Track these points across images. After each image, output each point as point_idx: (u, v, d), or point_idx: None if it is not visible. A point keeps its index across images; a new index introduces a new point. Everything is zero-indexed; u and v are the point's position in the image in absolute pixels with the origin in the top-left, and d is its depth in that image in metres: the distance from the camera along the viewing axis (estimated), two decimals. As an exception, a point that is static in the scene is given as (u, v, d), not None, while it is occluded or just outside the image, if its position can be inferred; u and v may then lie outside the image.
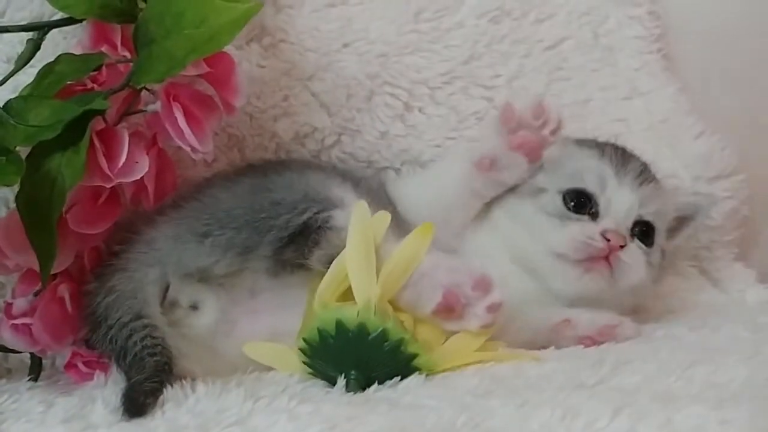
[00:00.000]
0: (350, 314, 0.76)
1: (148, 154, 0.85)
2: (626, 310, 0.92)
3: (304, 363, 0.78)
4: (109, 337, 0.81)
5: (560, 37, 1.15)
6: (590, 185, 0.90)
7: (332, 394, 0.73)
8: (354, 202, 0.82)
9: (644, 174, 0.93)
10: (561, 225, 0.89)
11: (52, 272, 0.82)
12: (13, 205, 0.83)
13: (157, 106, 0.87)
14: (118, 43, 0.90)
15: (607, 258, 0.88)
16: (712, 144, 1.14)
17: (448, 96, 1.09)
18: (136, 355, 0.78)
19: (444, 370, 0.78)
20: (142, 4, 0.89)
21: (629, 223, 0.90)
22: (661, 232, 0.94)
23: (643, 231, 0.92)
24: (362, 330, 0.75)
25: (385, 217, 0.81)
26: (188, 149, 0.86)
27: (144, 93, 0.89)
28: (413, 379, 0.75)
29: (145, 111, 0.89)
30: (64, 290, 0.87)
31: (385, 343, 0.75)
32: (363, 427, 0.61)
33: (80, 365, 0.89)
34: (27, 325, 0.87)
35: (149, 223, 0.88)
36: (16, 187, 0.79)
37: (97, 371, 0.87)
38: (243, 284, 0.86)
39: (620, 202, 0.90)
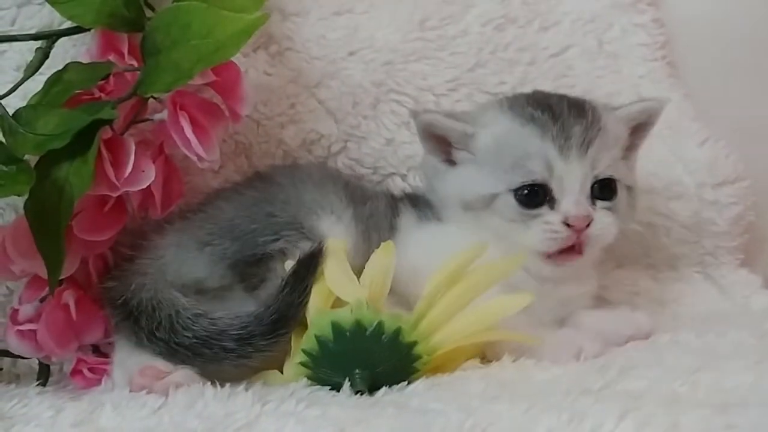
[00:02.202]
0: (344, 314, 0.77)
1: (154, 162, 0.86)
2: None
3: (308, 378, 0.78)
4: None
5: (565, 44, 1.15)
6: (538, 174, 0.87)
7: (340, 398, 0.73)
8: (332, 236, 0.85)
9: (587, 134, 0.88)
10: (525, 227, 0.87)
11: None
12: (21, 211, 0.83)
13: (163, 114, 0.87)
14: (125, 52, 0.90)
15: (577, 240, 0.87)
16: (716, 150, 1.14)
17: (454, 103, 1.09)
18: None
19: (446, 364, 0.80)
20: (149, 13, 0.90)
21: (588, 191, 0.88)
22: (622, 172, 0.91)
23: (603, 187, 0.89)
24: (359, 326, 0.77)
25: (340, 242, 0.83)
26: (194, 158, 0.87)
27: (151, 101, 0.89)
28: (421, 383, 0.75)
29: (152, 120, 0.90)
30: (69, 297, 0.88)
31: (383, 336, 0.76)
32: (370, 430, 0.62)
33: (85, 371, 0.90)
34: (32, 331, 0.88)
35: (157, 231, 0.90)
36: (24, 194, 0.79)
37: (104, 377, 0.88)
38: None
39: (572, 179, 0.87)
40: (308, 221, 0.87)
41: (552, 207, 0.87)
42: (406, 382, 0.76)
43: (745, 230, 1.15)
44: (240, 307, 0.83)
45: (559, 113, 0.89)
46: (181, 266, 0.86)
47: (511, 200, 0.88)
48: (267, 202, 0.89)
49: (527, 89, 1.09)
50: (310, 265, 0.80)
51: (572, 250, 0.87)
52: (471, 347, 0.83)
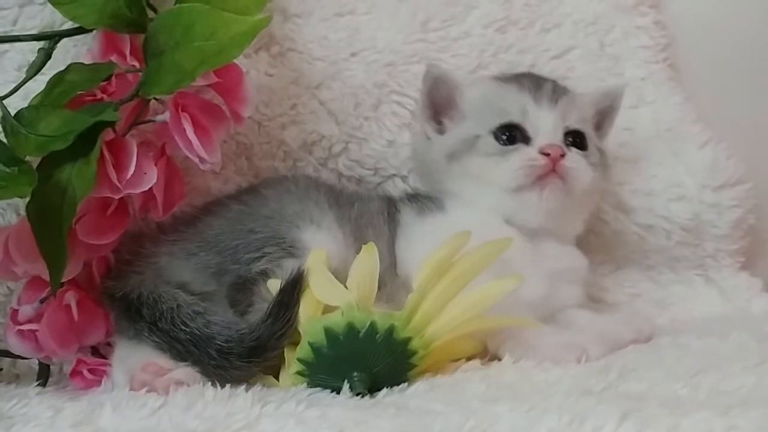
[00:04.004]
0: (335, 318, 0.77)
1: (156, 164, 0.86)
2: (583, 224, 1.02)
3: (307, 385, 0.78)
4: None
5: (566, 46, 1.16)
6: (515, 116, 0.96)
7: (340, 399, 0.73)
8: (312, 246, 0.85)
9: (557, 91, 0.98)
10: (503, 161, 0.95)
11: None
12: (23, 212, 0.83)
13: (165, 116, 0.87)
14: (127, 53, 0.90)
15: (554, 171, 0.93)
16: (718, 153, 1.14)
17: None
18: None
19: (447, 363, 0.80)
20: (151, 14, 0.90)
21: (560, 137, 0.96)
22: (590, 134, 1.00)
23: (575, 140, 0.97)
24: (351, 329, 0.77)
25: (320, 253, 0.84)
26: (196, 160, 0.87)
27: (152, 102, 0.89)
28: (421, 384, 0.76)
29: (154, 121, 0.90)
30: (70, 297, 0.88)
31: (377, 335, 0.77)
32: (371, 431, 0.62)
33: (85, 372, 0.90)
34: (33, 332, 0.88)
35: (153, 240, 0.92)
36: (26, 196, 0.79)
37: (104, 378, 0.88)
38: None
39: (545, 121, 0.95)
40: (290, 235, 0.88)
41: (527, 144, 0.95)
42: (406, 384, 0.76)
43: (746, 233, 1.15)
44: (223, 311, 0.84)
45: (532, 75, 1.02)
46: (172, 271, 0.88)
47: (490, 140, 0.96)
48: (250, 216, 0.91)
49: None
50: (293, 292, 0.80)
51: (551, 174, 0.93)
52: (471, 342, 0.84)
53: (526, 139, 0.95)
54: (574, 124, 0.97)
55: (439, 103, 1.01)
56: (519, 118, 0.96)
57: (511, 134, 0.95)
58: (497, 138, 0.96)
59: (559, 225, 0.97)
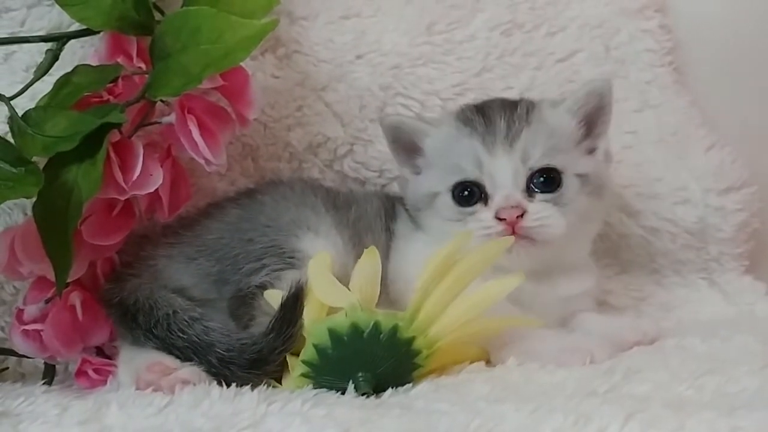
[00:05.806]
0: (339, 319, 0.77)
1: (162, 165, 0.86)
2: (589, 243, 0.97)
3: (312, 387, 0.78)
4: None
5: (572, 49, 1.16)
6: (469, 172, 0.89)
7: (345, 398, 0.74)
8: (312, 255, 0.84)
9: (513, 126, 0.88)
10: (462, 226, 0.88)
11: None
12: (29, 212, 0.84)
13: (171, 118, 0.88)
14: (134, 55, 0.91)
15: (514, 233, 0.86)
16: (723, 156, 1.14)
17: (460, 107, 1.10)
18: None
19: (446, 360, 0.80)
20: (159, 17, 0.91)
21: (522, 184, 0.88)
22: (567, 162, 0.90)
23: (544, 177, 0.88)
24: (355, 330, 0.76)
25: (323, 256, 0.83)
26: (202, 162, 0.87)
27: (158, 104, 0.90)
28: (426, 385, 0.76)
29: (160, 123, 0.90)
30: (75, 298, 0.88)
31: (381, 335, 0.76)
32: (376, 430, 0.62)
33: (90, 372, 0.90)
34: (38, 332, 0.88)
35: (153, 242, 0.93)
36: (33, 196, 0.80)
37: (109, 378, 0.88)
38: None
39: (502, 172, 0.88)
40: (289, 244, 0.87)
41: (486, 203, 0.89)
42: (411, 384, 0.76)
43: (750, 237, 1.15)
44: (224, 320, 0.84)
45: (488, 112, 0.91)
46: (172, 274, 0.88)
47: (448, 199, 0.90)
48: (249, 223, 0.90)
49: (534, 94, 1.09)
50: (294, 307, 0.79)
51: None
52: (475, 349, 0.84)
53: (485, 198, 0.89)
54: (540, 160, 0.88)
55: (407, 149, 0.97)
56: (474, 173, 0.88)
57: (471, 191, 0.89)
58: (454, 197, 0.90)
59: (553, 263, 0.91)
